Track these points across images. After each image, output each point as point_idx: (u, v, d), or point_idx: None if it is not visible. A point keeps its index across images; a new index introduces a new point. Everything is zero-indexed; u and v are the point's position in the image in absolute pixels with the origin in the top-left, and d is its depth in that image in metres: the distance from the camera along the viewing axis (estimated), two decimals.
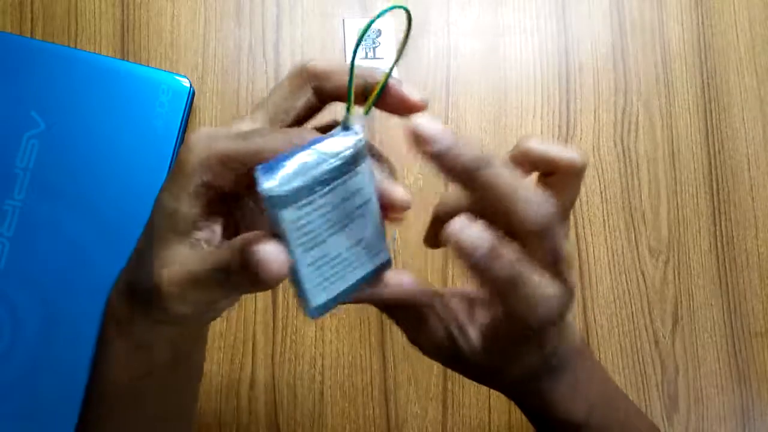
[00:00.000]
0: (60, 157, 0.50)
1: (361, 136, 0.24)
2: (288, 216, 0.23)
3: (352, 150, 0.24)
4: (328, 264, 0.25)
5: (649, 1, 0.59)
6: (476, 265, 0.25)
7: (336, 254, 0.25)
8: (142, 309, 0.27)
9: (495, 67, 0.57)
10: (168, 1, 0.55)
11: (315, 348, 0.51)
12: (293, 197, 0.23)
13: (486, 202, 0.25)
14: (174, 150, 0.51)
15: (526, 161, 0.30)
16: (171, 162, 0.51)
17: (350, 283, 0.27)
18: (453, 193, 0.31)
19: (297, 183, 0.23)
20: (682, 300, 0.54)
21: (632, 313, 0.54)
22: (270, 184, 0.23)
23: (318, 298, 0.26)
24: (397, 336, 0.52)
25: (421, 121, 0.24)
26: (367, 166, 0.25)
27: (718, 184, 0.57)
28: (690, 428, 0.53)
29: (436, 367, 0.52)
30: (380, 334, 0.52)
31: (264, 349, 0.51)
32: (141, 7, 0.55)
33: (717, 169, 0.57)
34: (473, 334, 0.29)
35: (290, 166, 0.23)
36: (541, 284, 0.26)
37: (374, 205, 0.26)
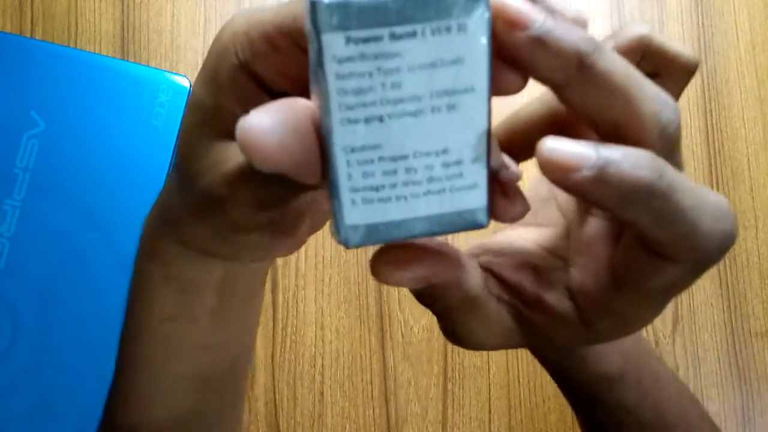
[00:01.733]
0: (60, 157, 0.50)
1: None
2: (333, 46, 0.15)
3: None
4: (380, 164, 0.16)
5: (649, 1, 0.59)
6: (600, 176, 0.16)
7: (397, 153, 0.16)
8: (177, 235, 0.23)
9: None
10: (168, 1, 0.55)
11: (315, 348, 0.51)
12: (349, 19, 0.15)
13: (591, 105, 0.17)
14: (174, 150, 0.51)
15: (629, 53, 0.22)
16: (171, 162, 0.51)
17: (412, 214, 0.17)
18: (525, 107, 0.23)
19: None
20: (682, 300, 0.54)
21: None
22: None
23: (355, 214, 0.16)
24: (397, 336, 0.52)
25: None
26: (484, 35, 0.15)
27: (718, 184, 0.57)
28: None
29: (436, 366, 0.52)
30: (380, 334, 0.52)
31: (264, 349, 0.51)
32: (141, 7, 0.55)
33: (717, 169, 0.57)
34: (558, 303, 0.20)
35: None
36: (701, 188, 0.17)
37: (481, 106, 0.16)
